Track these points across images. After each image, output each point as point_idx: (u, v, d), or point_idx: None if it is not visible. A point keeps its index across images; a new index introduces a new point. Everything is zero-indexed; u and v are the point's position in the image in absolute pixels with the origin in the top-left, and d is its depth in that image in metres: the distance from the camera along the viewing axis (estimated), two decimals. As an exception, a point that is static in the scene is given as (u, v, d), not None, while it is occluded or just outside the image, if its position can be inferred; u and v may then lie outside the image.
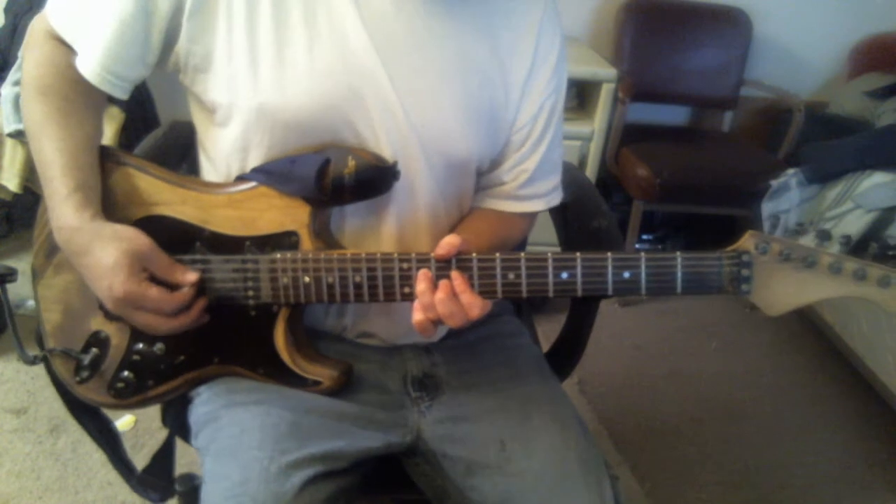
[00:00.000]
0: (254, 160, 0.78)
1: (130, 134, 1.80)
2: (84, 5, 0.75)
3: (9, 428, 1.61)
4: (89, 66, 0.75)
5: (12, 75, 1.73)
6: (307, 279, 0.75)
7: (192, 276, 0.75)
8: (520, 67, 0.82)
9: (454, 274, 0.72)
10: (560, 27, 0.85)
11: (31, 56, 0.78)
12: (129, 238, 0.73)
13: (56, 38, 0.77)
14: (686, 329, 2.26)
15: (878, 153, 1.98)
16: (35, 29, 0.79)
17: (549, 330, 1.19)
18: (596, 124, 2.19)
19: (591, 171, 2.24)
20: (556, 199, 0.92)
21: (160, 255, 0.74)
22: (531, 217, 0.93)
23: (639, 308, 2.35)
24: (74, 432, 1.58)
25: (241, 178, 0.78)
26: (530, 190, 0.88)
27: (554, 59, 0.84)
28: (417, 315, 0.72)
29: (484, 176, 0.89)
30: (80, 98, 0.77)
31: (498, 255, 0.72)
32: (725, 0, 2.54)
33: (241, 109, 0.75)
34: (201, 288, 0.77)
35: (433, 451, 0.83)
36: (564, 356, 1.06)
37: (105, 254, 0.72)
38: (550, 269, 0.71)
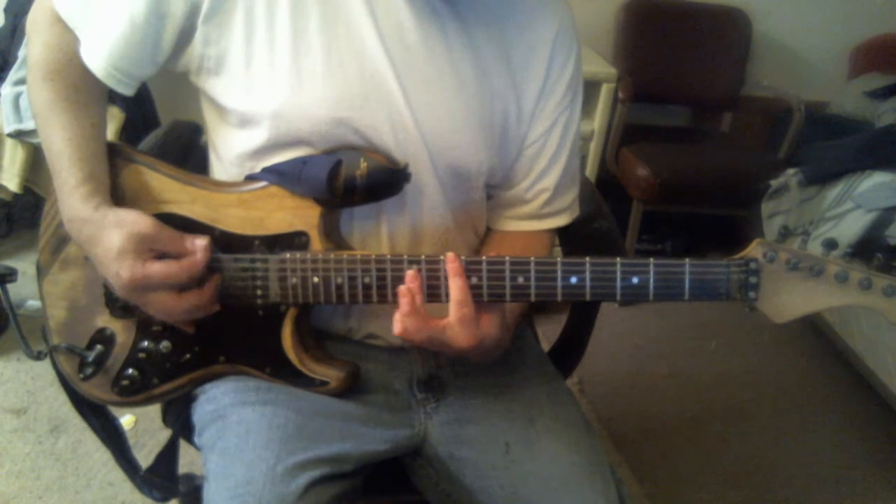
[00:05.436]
0: (266, 163, 0.77)
1: (130, 134, 1.80)
2: None
3: (9, 428, 1.61)
4: (95, 60, 0.75)
5: (12, 75, 1.73)
6: (316, 280, 0.75)
7: (201, 241, 0.74)
8: (532, 82, 0.82)
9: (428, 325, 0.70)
10: (577, 44, 0.85)
11: (38, 39, 0.77)
12: (131, 222, 0.72)
13: (62, 22, 0.76)
14: (686, 329, 2.26)
15: (878, 153, 1.98)
16: (40, 8, 0.78)
17: (549, 330, 1.19)
18: (596, 124, 2.19)
19: (591, 171, 2.24)
20: (576, 210, 0.92)
21: (165, 231, 0.73)
22: (554, 232, 0.93)
23: (639, 308, 2.35)
24: (74, 432, 1.58)
25: (251, 178, 0.78)
26: (552, 207, 0.89)
27: (569, 74, 0.84)
28: (398, 330, 0.70)
29: (500, 192, 0.88)
30: (87, 86, 0.77)
31: (507, 258, 0.72)
32: (725, 0, 2.54)
33: (256, 115, 0.75)
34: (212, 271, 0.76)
35: (439, 453, 0.83)
36: (565, 356, 1.06)
37: (110, 241, 0.72)
38: (559, 274, 0.71)
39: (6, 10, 1.93)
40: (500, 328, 0.75)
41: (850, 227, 1.88)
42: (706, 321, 2.30)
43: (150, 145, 1.03)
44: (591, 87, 2.21)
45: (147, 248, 0.72)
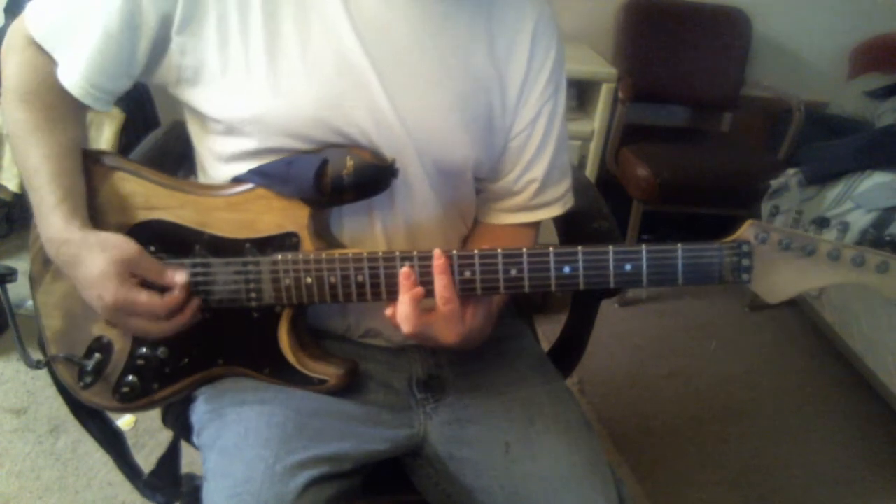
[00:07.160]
0: (250, 167, 0.77)
1: (130, 134, 1.80)
2: (66, 16, 0.74)
3: (9, 428, 1.61)
4: (72, 78, 0.75)
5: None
6: (309, 280, 0.75)
7: (181, 278, 0.75)
8: (515, 72, 0.82)
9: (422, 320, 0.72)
10: (556, 32, 0.85)
11: (12, 61, 0.77)
12: (115, 245, 0.73)
13: (37, 44, 0.76)
14: (686, 329, 2.26)
15: (878, 153, 1.98)
16: (15, 31, 0.78)
17: (549, 330, 1.19)
18: (596, 124, 2.19)
19: (591, 171, 2.25)
20: (570, 201, 0.92)
21: (148, 259, 0.74)
22: (537, 225, 0.93)
23: (639, 308, 2.35)
24: (74, 432, 1.58)
25: (237, 180, 0.78)
26: (543, 198, 0.89)
27: (550, 65, 0.84)
28: (388, 312, 0.73)
29: (490, 185, 0.88)
30: (64, 104, 0.77)
31: (500, 250, 0.72)
32: (725, 0, 2.54)
33: (238, 121, 0.75)
34: (196, 289, 0.77)
35: (439, 453, 0.83)
36: (565, 356, 1.06)
37: (93, 263, 0.72)
38: (552, 264, 0.72)
39: (6, 11, 1.93)
40: (485, 318, 0.76)
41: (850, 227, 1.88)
42: (706, 321, 2.31)
43: (149, 146, 1.03)
44: (591, 87, 2.22)
45: (129, 273, 0.72)
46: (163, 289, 0.75)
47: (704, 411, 1.90)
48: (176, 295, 0.74)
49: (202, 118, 0.78)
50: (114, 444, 0.97)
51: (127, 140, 1.80)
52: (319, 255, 0.75)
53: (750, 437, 1.82)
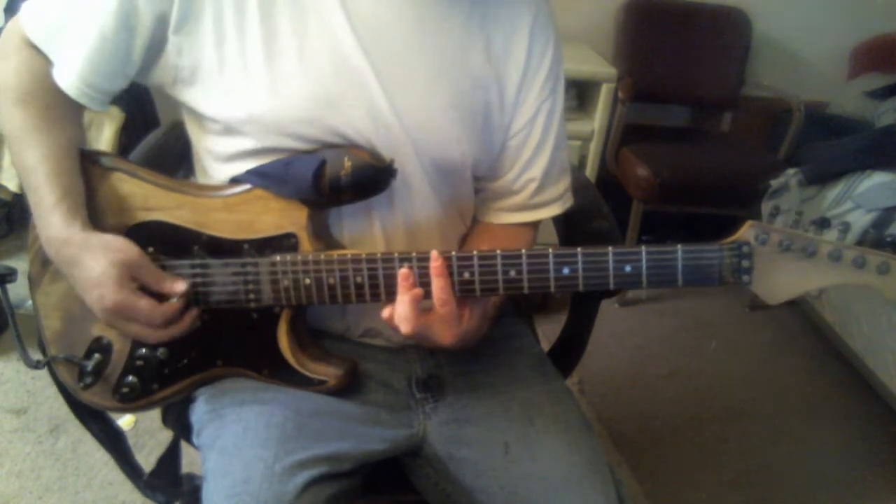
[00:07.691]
0: (247, 167, 0.77)
1: (130, 134, 1.80)
2: (62, 17, 0.74)
3: (9, 428, 1.61)
4: (67, 79, 0.75)
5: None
6: (308, 281, 0.75)
7: (180, 286, 0.75)
8: (513, 70, 0.82)
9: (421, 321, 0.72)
10: (554, 30, 0.85)
11: (9, 63, 0.77)
12: (117, 248, 0.73)
13: (33, 46, 0.76)
14: (686, 329, 2.26)
15: (878, 153, 1.98)
16: (10, 33, 0.78)
17: (549, 330, 1.19)
18: (596, 124, 2.19)
19: (591, 171, 2.25)
20: (569, 200, 0.92)
21: (149, 265, 0.74)
22: (536, 225, 0.93)
23: (639, 308, 2.35)
24: (74, 432, 1.58)
25: (235, 181, 0.78)
26: (542, 197, 0.89)
27: (548, 63, 0.84)
28: (385, 313, 0.73)
29: (489, 184, 0.88)
30: (61, 105, 0.77)
31: (499, 251, 0.72)
32: (725, 0, 2.54)
33: (234, 120, 0.75)
34: (195, 296, 0.77)
35: (439, 453, 0.83)
36: (565, 356, 1.06)
37: (94, 264, 0.72)
38: (552, 265, 0.71)
39: (6, 10, 1.93)
40: (481, 319, 0.76)
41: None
42: (706, 321, 2.31)
43: (149, 145, 1.03)
44: (591, 87, 2.22)
45: (130, 277, 0.73)
46: (161, 296, 0.75)
47: (704, 411, 1.90)
48: (174, 304, 0.74)
49: (200, 118, 0.78)
50: (115, 443, 0.97)
51: (127, 140, 1.80)
52: (318, 255, 0.75)
53: (750, 437, 1.82)
